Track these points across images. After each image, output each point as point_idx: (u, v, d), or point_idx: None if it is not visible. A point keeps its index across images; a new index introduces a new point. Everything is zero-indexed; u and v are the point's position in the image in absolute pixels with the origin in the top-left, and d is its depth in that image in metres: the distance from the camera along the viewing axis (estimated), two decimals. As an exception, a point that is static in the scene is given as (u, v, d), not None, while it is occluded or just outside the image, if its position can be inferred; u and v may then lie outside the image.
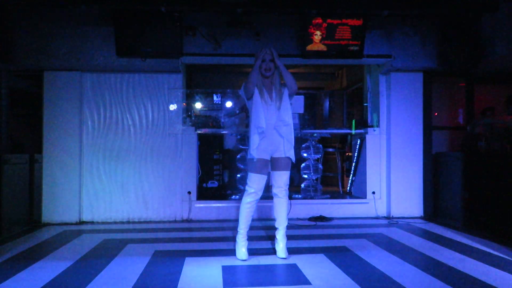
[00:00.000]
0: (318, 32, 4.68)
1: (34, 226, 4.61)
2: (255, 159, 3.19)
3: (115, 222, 4.90)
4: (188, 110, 5.61)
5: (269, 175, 3.43)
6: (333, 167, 6.50)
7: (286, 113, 3.22)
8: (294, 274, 2.90)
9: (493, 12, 4.46)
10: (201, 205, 5.06)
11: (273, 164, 3.29)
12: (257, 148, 3.18)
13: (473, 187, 4.49)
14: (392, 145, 5.19)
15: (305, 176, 5.52)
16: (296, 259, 3.23)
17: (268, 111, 3.21)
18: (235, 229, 3.44)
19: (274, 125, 3.20)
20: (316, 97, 7.00)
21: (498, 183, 4.15)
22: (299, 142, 5.43)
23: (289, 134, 3.24)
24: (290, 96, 3.28)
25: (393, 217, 5.10)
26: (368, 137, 5.35)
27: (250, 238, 3.37)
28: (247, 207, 3.22)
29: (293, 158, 3.29)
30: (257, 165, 3.20)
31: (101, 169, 4.95)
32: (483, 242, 3.85)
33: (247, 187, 3.25)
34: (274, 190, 3.31)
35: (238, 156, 5.45)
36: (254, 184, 3.20)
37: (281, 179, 3.28)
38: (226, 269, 3.00)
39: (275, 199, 3.33)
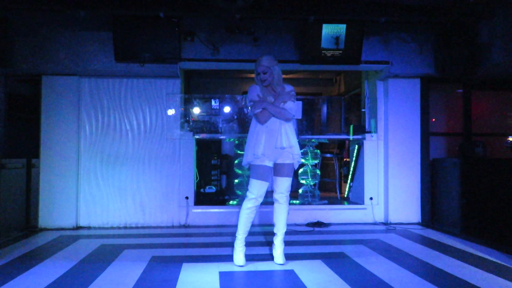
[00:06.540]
0: (316, 38, 4.69)
1: (30, 231, 4.58)
2: (256, 165, 3.18)
3: (112, 228, 4.87)
4: (186, 115, 5.61)
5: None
6: (330, 172, 6.50)
7: (287, 137, 3.22)
8: (292, 280, 2.89)
9: (489, 19, 4.50)
10: (199, 210, 5.04)
11: (276, 169, 3.28)
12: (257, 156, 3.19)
13: (471, 193, 4.50)
14: (390, 150, 5.20)
15: (303, 181, 5.52)
16: (293, 265, 3.22)
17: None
18: (232, 234, 3.43)
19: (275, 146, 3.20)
20: (314, 103, 6.99)
21: (495, 189, 4.16)
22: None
23: (294, 157, 3.25)
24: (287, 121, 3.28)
25: (390, 223, 5.09)
26: (365, 142, 5.37)
27: (247, 244, 3.36)
28: (246, 213, 3.21)
29: (296, 166, 3.30)
30: (259, 171, 3.18)
31: (98, 174, 4.93)
32: (481, 248, 3.85)
33: (247, 193, 3.23)
34: (275, 196, 3.30)
35: (236, 161, 5.45)
36: (255, 190, 3.19)
37: (283, 185, 3.27)
38: (223, 275, 2.99)
39: (275, 205, 3.32)
